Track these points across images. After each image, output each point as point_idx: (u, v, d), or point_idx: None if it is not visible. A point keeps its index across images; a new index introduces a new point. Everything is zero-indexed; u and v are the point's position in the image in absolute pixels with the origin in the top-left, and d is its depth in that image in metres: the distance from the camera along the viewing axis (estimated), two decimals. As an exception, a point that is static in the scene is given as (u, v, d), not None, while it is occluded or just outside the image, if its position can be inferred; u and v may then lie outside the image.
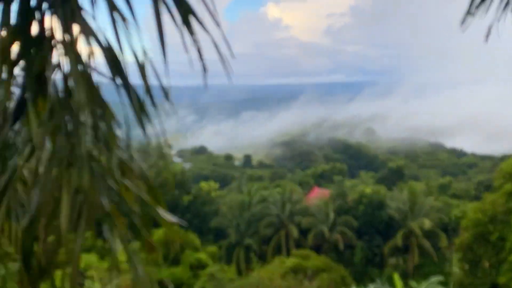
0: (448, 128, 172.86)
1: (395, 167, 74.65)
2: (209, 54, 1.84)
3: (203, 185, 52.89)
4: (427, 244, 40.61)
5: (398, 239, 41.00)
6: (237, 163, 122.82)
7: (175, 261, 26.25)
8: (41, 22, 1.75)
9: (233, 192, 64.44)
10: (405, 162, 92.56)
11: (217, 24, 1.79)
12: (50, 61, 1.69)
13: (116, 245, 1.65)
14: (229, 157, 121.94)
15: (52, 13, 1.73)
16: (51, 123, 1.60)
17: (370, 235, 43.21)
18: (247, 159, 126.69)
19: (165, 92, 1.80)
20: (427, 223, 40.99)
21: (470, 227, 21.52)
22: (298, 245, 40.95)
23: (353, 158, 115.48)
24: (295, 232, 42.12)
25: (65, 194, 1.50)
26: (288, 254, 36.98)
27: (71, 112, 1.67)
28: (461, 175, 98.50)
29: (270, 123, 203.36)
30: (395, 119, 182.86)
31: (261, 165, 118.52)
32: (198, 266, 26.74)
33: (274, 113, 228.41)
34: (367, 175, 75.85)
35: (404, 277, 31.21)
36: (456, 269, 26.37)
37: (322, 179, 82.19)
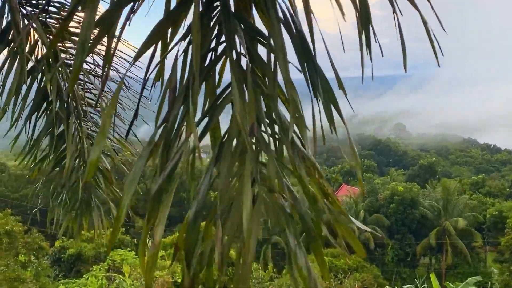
0: (481, 124, 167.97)
1: (427, 164, 72.94)
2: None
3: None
4: (461, 243, 39.44)
5: (431, 238, 39.94)
6: (260, 158, 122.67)
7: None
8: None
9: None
10: (436, 159, 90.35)
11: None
12: (243, 37, 1.56)
13: (301, 255, 1.45)
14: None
15: None
16: (254, 107, 1.47)
17: (402, 234, 42.27)
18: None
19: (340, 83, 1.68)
20: (461, 222, 39.80)
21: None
22: (327, 244, 40.35)
23: (382, 154, 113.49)
24: (323, 230, 41.56)
25: (246, 185, 1.40)
26: (317, 252, 36.51)
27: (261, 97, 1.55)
28: (495, 172, 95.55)
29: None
30: (426, 114, 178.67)
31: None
32: (228, 264, 26.62)
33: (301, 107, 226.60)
34: (397, 172, 74.32)
35: (437, 277, 30.28)
36: (493, 269, 25.41)
37: (349, 176, 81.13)
